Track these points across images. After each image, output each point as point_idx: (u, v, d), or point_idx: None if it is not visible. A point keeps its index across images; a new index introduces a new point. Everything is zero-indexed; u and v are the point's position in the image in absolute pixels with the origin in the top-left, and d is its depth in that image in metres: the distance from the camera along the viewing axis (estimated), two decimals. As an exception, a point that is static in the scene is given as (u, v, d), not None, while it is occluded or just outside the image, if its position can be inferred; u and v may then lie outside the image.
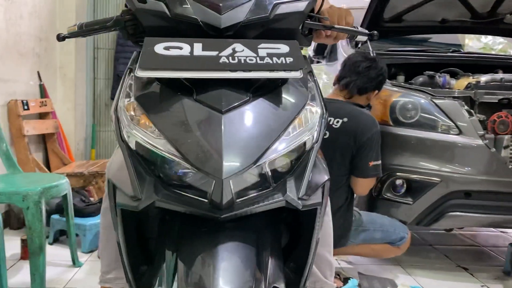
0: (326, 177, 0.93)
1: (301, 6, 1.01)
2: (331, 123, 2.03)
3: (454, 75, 2.73)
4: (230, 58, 0.86)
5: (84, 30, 1.07)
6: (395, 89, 2.41)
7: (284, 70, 0.85)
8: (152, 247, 0.99)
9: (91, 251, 2.49)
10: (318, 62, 3.78)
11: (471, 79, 2.55)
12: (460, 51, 3.43)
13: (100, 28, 1.07)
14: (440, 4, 2.88)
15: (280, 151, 0.80)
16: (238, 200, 0.78)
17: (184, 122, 0.80)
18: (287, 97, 0.88)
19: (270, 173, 0.81)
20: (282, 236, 1.05)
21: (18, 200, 1.87)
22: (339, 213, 2.08)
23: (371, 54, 2.30)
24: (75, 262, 2.30)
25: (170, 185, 0.81)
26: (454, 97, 2.32)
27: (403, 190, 2.31)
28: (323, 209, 0.98)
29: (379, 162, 2.02)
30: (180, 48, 0.87)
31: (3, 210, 2.80)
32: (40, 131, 3.17)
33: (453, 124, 2.23)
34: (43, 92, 3.32)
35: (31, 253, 1.88)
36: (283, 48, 0.90)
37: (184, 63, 0.84)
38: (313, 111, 0.90)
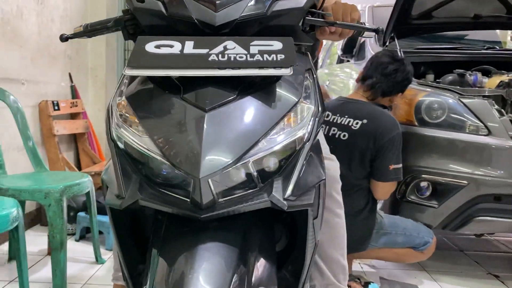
0: (321, 177, 0.90)
1: (300, 2, 0.98)
2: (350, 124, 1.97)
3: (487, 73, 2.60)
4: (220, 55, 0.84)
5: (87, 31, 1.09)
6: (421, 88, 2.33)
7: (274, 68, 0.83)
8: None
9: (115, 249, 2.54)
10: (347, 61, 3.70)
11: (505, 77, 2.42)
12: (496, 48, 3.26)
13: (102, 28, 1.08)
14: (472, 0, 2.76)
15: (265, 150, 0.78)
16: (221, 200, 0.76)
17: (168, 121, 0.79)
18: (278, 95, 0.85)
19: (256, 173, 0.79)
20: (282, 238, 1.02)
21: (40, 198, 1.93)
22: (360, 217, 2.02)
23: (399, 55, 2.21)
24: (98, 259, 2.36)
25: (156, 184, 0.80)
26: (484, 96, 2.22)
27: (428, 193, 2.23)
28: (320, 210, 0.94)
29: (400, 165, 1.95)
30: (171, 46, 0.86)
31: (35, 207, 2.91)
32: (70, 131, 3.27)
33: (482, 124, 2.13)
34: (74, 93, 3.42)
35: (52, 249, 1.93)
36: (276, 45, 0.88)
37: (173, 61, 0.83)
38: (305, 110, 0.87)
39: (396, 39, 2.80)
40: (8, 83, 2.60)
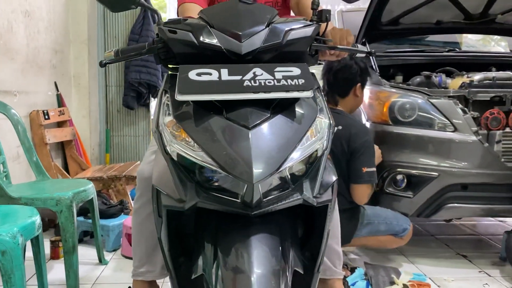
0: (334, 177, 1.11)
1: (308, 31, 1.18)
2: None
3: (449, 74, 2.90)
4: (252, 81, 1.03)
5: (122, 57, 1.25)
6: (394, 90, 2.58)
7: (298, 91, 1.02)
8: (188, 241, 1.17)
9: (115, 250, 2.68)
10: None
11: (465, 78, 2.72)
12: (456, 49, 3.58)
13: (136, 54, 1.24)
14: (434, 7, 3.04)
15: (296, 158, 0.98)
16: (264, 200, 0.95)
17: (218, 137, 0.97)
18: (300, 113, 1.05)
19: (289, 177, 0.99)
20: (298, 229, 1.23)
21: (52, 205, 2.05)
22: (345, 215, 2.23)
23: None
24: (101, 260, 2.49)
25: (207, 189, 0.99)
26: (449, 97, 2.49)
27: (403, 185, 2.48)
28: (333, 204, 1.15)
29: (373, 169, 2.15)
30: (210, 74, 1.04)
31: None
32: (59, 138, 3.36)
33: (449, 122, 2.40)
34: (60, 102, 3.50)
35: (65, 252, 2.06)
36: (296, 71, 1.07)
37: (215, 87, 1.01)
38: (322, 123, 1.07)
39: (367, 44, 3.05)
40: (2, 95, 2.68)
